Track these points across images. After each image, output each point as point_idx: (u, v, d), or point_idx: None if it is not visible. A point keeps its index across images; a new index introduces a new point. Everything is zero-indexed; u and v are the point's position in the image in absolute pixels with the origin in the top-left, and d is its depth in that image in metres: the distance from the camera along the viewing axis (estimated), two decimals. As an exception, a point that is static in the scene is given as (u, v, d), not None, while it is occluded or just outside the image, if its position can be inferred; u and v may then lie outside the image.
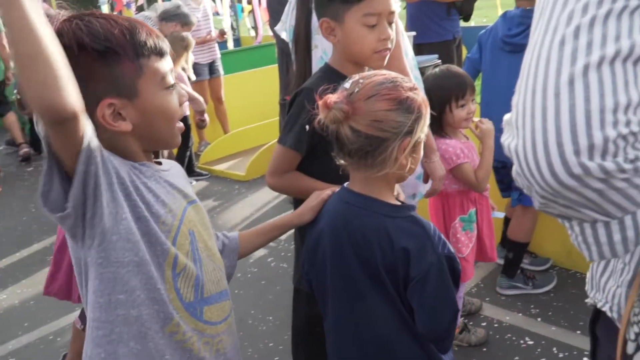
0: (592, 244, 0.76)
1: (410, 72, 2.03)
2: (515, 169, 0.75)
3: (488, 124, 2.46)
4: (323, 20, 1.69)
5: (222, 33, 6.38)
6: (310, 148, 1.67)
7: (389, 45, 1.66)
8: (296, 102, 1.69)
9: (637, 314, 0.81)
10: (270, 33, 7.71)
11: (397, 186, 1.45)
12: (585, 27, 0.70)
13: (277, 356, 2.82)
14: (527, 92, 0.73)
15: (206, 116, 5.42)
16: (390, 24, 1.67)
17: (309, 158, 1.72)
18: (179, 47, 4.79)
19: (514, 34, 3.17)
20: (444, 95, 2.43)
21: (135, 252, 1.16)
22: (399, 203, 1.41)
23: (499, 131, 0.93)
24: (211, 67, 6.14)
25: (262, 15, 8.87)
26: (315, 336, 1.63)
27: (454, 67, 2.57)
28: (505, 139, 0.77)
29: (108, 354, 1.16)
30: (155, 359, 1.19)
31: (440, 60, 4.91)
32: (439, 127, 2.47)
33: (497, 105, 2.95)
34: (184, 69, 4.97)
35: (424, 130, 1.33)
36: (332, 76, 1.63)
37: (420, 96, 1.32)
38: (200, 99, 5.24)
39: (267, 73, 6.69)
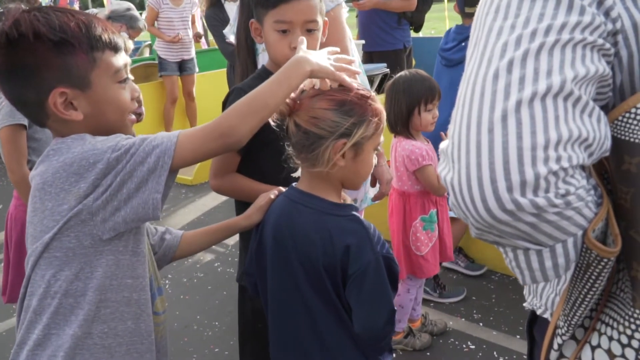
0: (525, 269, 0.77)
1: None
2: (451, 200, 0.76)
3: None
4: (252, 21, 1.75)
5: (198, 36, 6.31)
6: (247, 147, 1.66)
7: None
8: (228, 102, 1.70)
9: (561, 327, 0.85)
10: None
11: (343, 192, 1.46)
12: (518, 61, 0.71)
13: (223, 362, 2.80)
14: (462, 125, 0.74)
15: (142, 109, 5.39)
16: (310, 31, 1.67)
17: (246, 159, 1.73)
18: None
19: (448, 48, 3.35)
20: (414, 98, 2.49)
21: (144, 242, 1.29)
22: (342, 202, 1.43)
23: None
24: (181, 65, 6.22)
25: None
26: (259, 332, 1.66)
27: (424, 72, 2.60)
28: (441, 170, 0.79)
29: (110, 329, 1.25)
30: (144, 338, 1.31)
31: (388, 69, 5.00)
32: (405, 129, 2.53)
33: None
34: None
35: (370, 136, 1.33)
36: (267, 77, 1.63)
37: (372, 105, 1.33)
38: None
39: (215, 77, 6.65)
